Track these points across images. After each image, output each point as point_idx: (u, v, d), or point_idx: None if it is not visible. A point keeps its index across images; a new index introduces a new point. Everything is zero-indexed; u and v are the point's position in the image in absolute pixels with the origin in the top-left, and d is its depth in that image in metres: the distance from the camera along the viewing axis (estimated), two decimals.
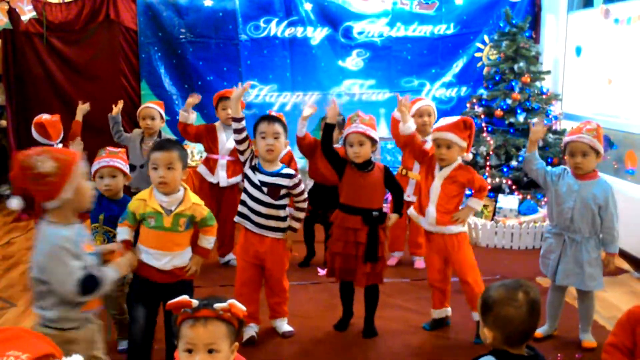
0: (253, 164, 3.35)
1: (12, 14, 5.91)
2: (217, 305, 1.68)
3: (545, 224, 3.55)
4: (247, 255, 3.41)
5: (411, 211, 3.68)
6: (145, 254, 2.89)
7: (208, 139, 4.73)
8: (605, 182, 3.30)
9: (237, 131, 3.32)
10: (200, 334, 1.67)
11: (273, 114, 4.87)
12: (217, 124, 4.76)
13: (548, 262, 3.43)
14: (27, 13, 5.94)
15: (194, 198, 2.95)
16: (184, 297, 1.69)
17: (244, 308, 1.73)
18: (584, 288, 3.34)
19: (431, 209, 3.46)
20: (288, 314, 3.65)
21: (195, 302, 1.68)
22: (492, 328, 1.87)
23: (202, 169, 4.75)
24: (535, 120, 3.53)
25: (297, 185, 3.35)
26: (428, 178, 3.52)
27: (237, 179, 4.72)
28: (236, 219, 3.42)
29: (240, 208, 3.38)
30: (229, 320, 1.71)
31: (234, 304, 1.70)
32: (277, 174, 3.32)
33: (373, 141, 3.42)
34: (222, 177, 4.70)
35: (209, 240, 3.03)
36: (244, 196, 3.37)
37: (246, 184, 3.36)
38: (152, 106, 4.68)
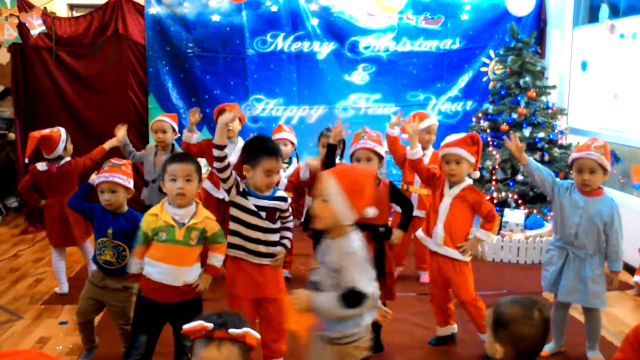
0: (241, 189, 3.04)
1: (22, 29, 5.97)
2: (232, 331, 1.66)
3: (551, 238, 3.52)
4: (244, 289, 3.06)
5: (419, 233, 3.67)
6: (154, 269, 2.86)
7: (211, 153, 4.70)
8: (611, 199, 3.30)
9: (218, 159, 2.98)
10: (214, 356, 1.65)
11: (283, 126, 4.93)
12: None
13: (546, 274, 3.42)
14: (37, 27, 6.00)
15: (206, 212, 2.95)
16: (200, 323, 1.67)
17: (258, 336, 1.72)
18: (587, 305, 3.33)
19: (439, 228, 3.45)
20: (285, 354, 3.20)
21: (210, 326, 1.66)
22: (504, 344, 1.87)
23: (208, 184, 4.72)
24: (511, 134, 3.51)
25: (288, 207, 3.18)
26: (437, 197, 3.52)
27: None
28: (229, 252, 3.06)
29: (232, 239, 3.04)
30: (242, 342, 1.70)
31: (249, 333, 1.68)
32: (274, 197, 3.07)
33: (380, 157, 3.43)
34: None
35: (218, 259, 3.00)
36: (234, 226, 3.04)
37: (236, 212, 3.04)
38: (164, 119, 4.68)
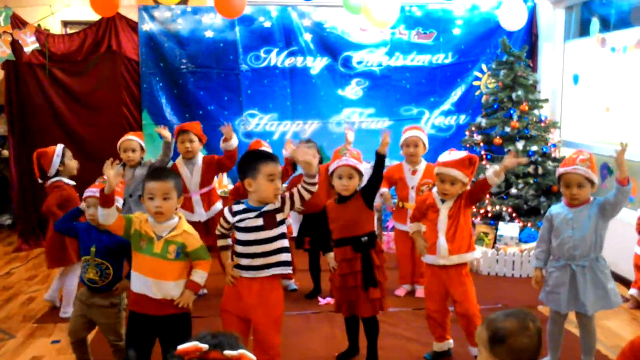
0: (234, 209, 2.98)
1: (15, 46, 5.99)
2: (228, 353, 1.65)
3: (550, 262, 3.47)
4: (234, 307, 3.01)
5: (426, 259, 3.59)
6: (138, 281, 2.88)
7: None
8: (597, 198, 3.29)
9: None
10: None
11: (261, 141, 4.89)
12: (177, 161, 4.71)
13: (558, 296, 3.32)
14: (30, 45, 6.02)
15: (187, 227, 2.94)
16: (195, 344, 1.65)
17: (254, 358, 1.70)
18: (611, 307, 3.31)
19: (442, 240, 3.44)
20: None
21: (205, 347, 1.64)
22: (503, 359, 1.86)
23: (182, 211, 4.70)
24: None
25: (283, 202, 3.01)
26: (431, 214, 3.51)
27: (219, 205, 4.74)
28: (237, 272, 3.00)
29: (236, 258, 2.99)
30: None
31: (244, 355, 1.66)
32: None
33: (360, 174, 3.45)
34: (199, 214, 4.69)
35: (200, 275, 2.95)
36: (237, 247, 2.98)
37: (236, 235, 3.00)
38: (132, 138, 4.65)
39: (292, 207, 3.00)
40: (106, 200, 2.79)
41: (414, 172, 4.61)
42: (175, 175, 3.01)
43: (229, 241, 3.09)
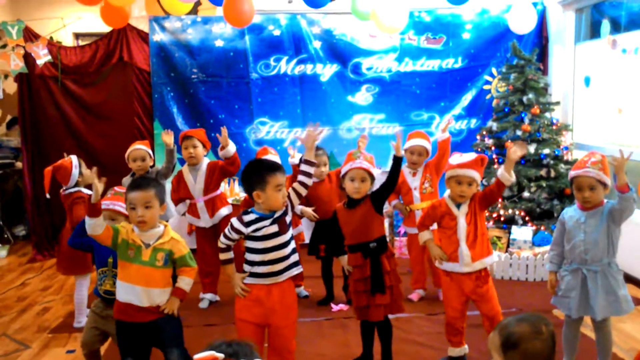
0: (246, 220, 2.98)
1: (28, 59, 6.05)
2: None
3: (563, 266, 3.44)
4: (251, 315, 3.00)
5: (444, 266, 3.52)
6: (125, 290, 2.90)
7: (180, 188, 4.74)
8: (609, 202, 3.25)
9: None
10: None
11: (268, 148, 4.93)
12: (183, 168, 4.74)
13: (568, 300, 3.29)
14: (43, 57, 6.07)
15: (174, 234, 2.98)
16: (211, 353, 1.64)
17: None
18: (621, 314, 3.26)
19: (463, 248, 3.41)
20: None
21: (221, 356, 1.64)
22: None
23: (189, 217, 4.79)
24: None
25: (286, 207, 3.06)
26: (450, 224, 3.47)
27: (223, 212, 4.75)
28: (249, 280, 3.00)
29: (250, 268, 3.00)
30: None
31: None
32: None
33: (372, 178, 3.46)
34: (205, 220, 4.71)
35: (185, 282, 2.99)
36: (252, 257, 2.99)
37: (248, 244, 3.01)
38: (141, 147, 4.68)
39: (292, 207, 3.06)
40: (93, 210, 2.79)
41: (414, 174, 4.61)
42: (158, 184, 3.03)
43: (232, 254, 3.09)
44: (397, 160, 3.40)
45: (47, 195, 4.47)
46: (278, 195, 2.94)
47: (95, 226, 2.83)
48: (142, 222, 2.87)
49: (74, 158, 4.45)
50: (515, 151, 3.29)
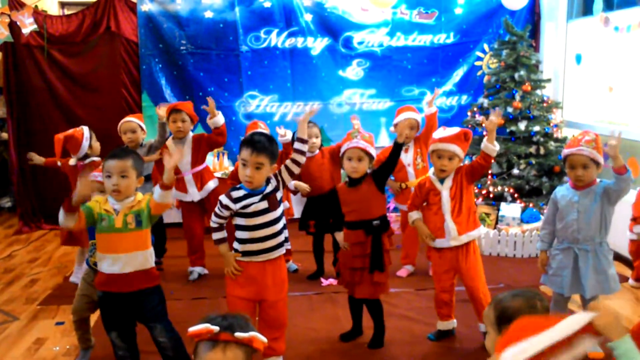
0: (234, 196, 2.95)
1: (13, 27, 5.92)
2: (239, 335, 1.64)
3: (555, 244, 3.46)
4: (244, 291, 3.01)
5: (434, 243, 3.54)
6: (103, 262, 2.91)
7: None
8: (604, 181, 3.27)
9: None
10: (219, 358, 1.61)
11: (258, 122, 4.89)
12: (169, 141, 4.67)
13: (560, 278, 3.31)
14: (28, 26, 5.94)
15: (141, 197, 2.98)
16: (206, 326, 1.64)
17: (265, 340, 1.70)
18: (609, 293, 3.29)
19: (449, 222, 3.43)
20: (285, 352, 3.21)
21: (216, 329, 1.64)
22: None
23: (175, 192, 4.67)
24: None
25: (277, 181, 3.04)
26: (434, 199, 3.49)
27: (211, 185, 4.73)
28: (243, 259, 3.00)
29: (240, 246, 3.00)
30: (247, 345, 1.67)
31: (256, 337, 1.66)
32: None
33: (371, 157, 3.45)
34: (193, 193, 4.67)
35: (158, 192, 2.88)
36: (242, 235, 2.98)
37: (238, 221, 2.99)
38: (132, 120, 4.67)
39: (283, 184, 3.06)
40: (71, 208, 2.76)
41: (406, 150, 4.60)
42: (136, 155, 3.01)
43: (225, 233, 3.07)
44: (397, 146, 3.42)
45: (59, 163, 4.65)
46: (242, 169, 2.92)
47: (67, 221, 2.80)
48: (116, 190, 2.87)
49: (85, 129, 4.57)
50: (491, 121, 3.33)
